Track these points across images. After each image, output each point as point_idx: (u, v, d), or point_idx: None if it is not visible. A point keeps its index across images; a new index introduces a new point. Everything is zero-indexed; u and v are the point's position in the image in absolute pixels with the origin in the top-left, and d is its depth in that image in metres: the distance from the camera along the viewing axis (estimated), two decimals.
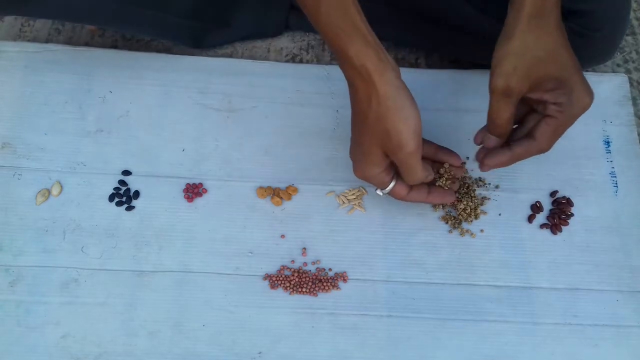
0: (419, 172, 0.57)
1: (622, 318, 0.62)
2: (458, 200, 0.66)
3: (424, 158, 0.61)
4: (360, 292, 0.63)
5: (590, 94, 0.55)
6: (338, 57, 0.54)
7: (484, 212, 0.67)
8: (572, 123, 0.56)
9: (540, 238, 0.66)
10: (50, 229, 0.65)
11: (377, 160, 0.57)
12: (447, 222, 0.67)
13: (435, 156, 0.63)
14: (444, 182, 0.63)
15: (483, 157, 0.60)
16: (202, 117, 0.72)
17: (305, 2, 0.53)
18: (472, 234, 0.66)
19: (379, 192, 0.62)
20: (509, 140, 0.60)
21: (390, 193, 0.61)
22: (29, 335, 0.60)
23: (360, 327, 0.61)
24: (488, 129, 0.58)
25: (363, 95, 0.54)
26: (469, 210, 0.66)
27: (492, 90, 0.55)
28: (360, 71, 0.53)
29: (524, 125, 0.59)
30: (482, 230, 0.66)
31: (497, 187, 0.69)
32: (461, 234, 0.66)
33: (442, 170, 0.63)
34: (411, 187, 0.61)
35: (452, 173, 0.63)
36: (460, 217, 0.66)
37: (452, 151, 0.63)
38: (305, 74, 0.76)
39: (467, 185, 0.68)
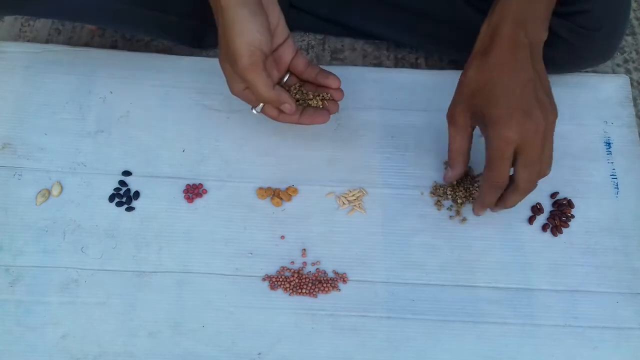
0: (261, 89, 0.57)
1: (623, 320, 0.62)
2: (457, 183, 0.67)
3: (305, 81, 0.64)
4: (360, 294, 0.63)
5: (515, 125, 0.53)
6: None
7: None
8: (504, 156, 0.55)
9: (540, 239, 0.66)
10: (50, 229, 0.65)
11: (234, 77, 0.58)
12: (439, 208, 0.67)
13: (316, 79, 0.63)
14: (316, 102, 0.63)
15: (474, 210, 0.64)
16: (202, 118, 0.72)
17: None
18: (463, 218, 0.66)
19: (252, 110, 0.63)
20: None
21: (263, 112, 0.62)
22: (29, 335, 0.60)
23: (359, 329, 0.61)
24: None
25: (214, 11, 0.56)
26: (465, 192, 0.67)
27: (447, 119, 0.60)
28: None
29: None
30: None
31: None
32: (450, 216, 0.66)
33: (316, 92, 0.64)
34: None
35: (328, 94, 0.64)
36: (457, 197, 0.67)
37: (330, 73, 0.63)
38: None
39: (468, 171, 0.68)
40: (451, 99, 0.59)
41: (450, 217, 0.67)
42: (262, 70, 0.56)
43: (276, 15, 0.58)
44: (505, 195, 0.59)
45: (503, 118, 0.53)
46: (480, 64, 0.55)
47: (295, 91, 0.64)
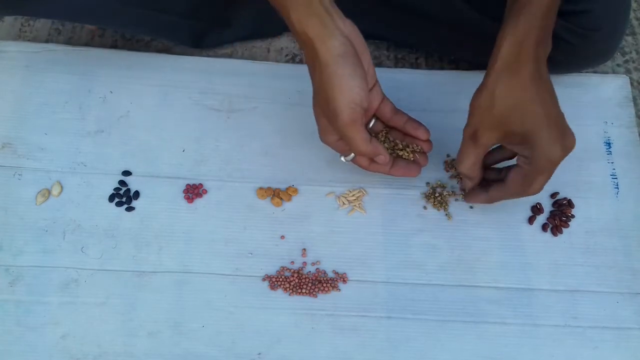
0: (359, 145, 0.57)
1: (623, 320, 0.62)
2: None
3: (394, 129, 0.63)
4: (360, 294, 0.63)
5: (560, 145, 0.54)
6: (286, 23, 0.54)
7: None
8: (543, 173, 0.56)
9: (540, 239, 0.66)
10: (50, 229, 0.65)
11: (328, 129, 0.58)
12: (428, 200, 0.67)
13: (404, 128, 0.62)
14: (407, 154, 0.62)
15: (463, 196, 0.66)
16: (202, 118, 0.72)
17: None
18: (449, 216, 0.67)
19: (342, 158, 0.62)
20: (488, 180, 0.63)
21: (353, 162, 0.61)
22: (28, 335, 0.60)
23: (359, 329, 0.61)
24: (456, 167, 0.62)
25: (309, 63, 0.55)
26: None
27: (463, 135, 0.58)
28: (303, 38, 0.53)
29: (503, 169, 0.61)
30: (471, 207, 0.67)
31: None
32: (439, 209, 0.67)
33: (405, 142, 0.63)
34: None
35: (418, 146, 0.63)
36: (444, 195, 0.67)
37: (420, 124, 0.62)
38: (306, 75, 0.75)
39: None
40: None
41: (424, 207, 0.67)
42: (361, 126, 0.56)
43: (367, 63, 0.57)
44: (493, 186, 0.62)
45: (548, 139, 0.54)
46: (512, 83, 0.53)
47: (382, 139, 0.63)
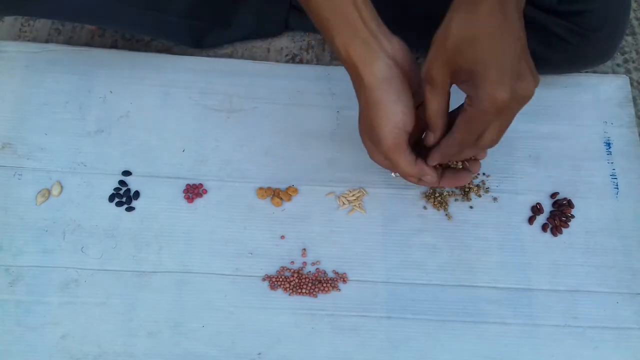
0: (403, 168, 0.56)
1: (622, 320, 0.62)
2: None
3: None
4: (360, 293, 0.63)
5: (508, 86, 0.48)
6: (330, 47, 0.54)
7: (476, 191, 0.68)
8: (487, 116, 0.50)
9: (540, 240, 0.66)
10: (50, 229, 0.65)
11: (374, 150, 0.57)
12: (428, 200, 0.67)
13: None
14: (455, 164, 0.60)
15: (427, 160, 0.58)
16: (203, 118, 0.72)
17: None
18: (449, 215, 0.67)
19: (392, 174, 0.62)
20: None
21: (404, 178, 0.60)
22: (28, 335, 0.60)
23: (359, 329, 0.61)
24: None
25: (355, 86, 0.55)
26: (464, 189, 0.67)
27: (422, 80, 0.53)
28: (348, 62, 0.53)
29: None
30: (471, 207, 0.67)
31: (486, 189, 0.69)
32: (438, 209, 0.67)
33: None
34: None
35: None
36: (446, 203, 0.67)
37: None
38: (306, 75, 0.76)
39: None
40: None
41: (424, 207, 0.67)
42: (405, 150, 0.55)
43: (418, 79, 0.55)
44: (446, 143, 0.56)
45: (495, 77, 0.49)
46: (467, 17, 0.48)
47: None
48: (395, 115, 0.53)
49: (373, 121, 0.54)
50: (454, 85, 0.53)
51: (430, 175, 0.58)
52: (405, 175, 0.59)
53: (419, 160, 0.57)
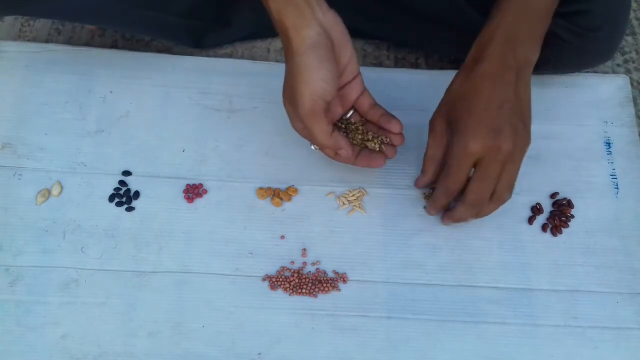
0: (318, 136, 0.57)
1: (622, 320, 0.62)
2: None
3: (368, 121, 0.64)
4: (360, 293, 0.63)
5: (477, 141, 0.54)
6: (268, 12, 0.55)
7: None
8: (458, 164, 0.56)
9: (540, 240, 0.66)
10: (50, 229, 0.65)
11: (294, 116, 0.58)
12: (428, 200, 0.67)
13: (378, 121, 0.63)
14: (373, 144, 0.63)
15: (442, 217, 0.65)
16: (203, 118, 0.72)
17: None
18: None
19: (312, 147, 0.63)
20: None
21: (321, 150, 0.62)
22: (28, 335, 0.60)
23: (359, 329, 0.61)
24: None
25: (284, 50, 0.56)
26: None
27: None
28: (279, 26, 0.54)
29: None
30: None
31: None
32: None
33: (372, 134, 0.63)
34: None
35: (387, 138, 0.63)
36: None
37: (393, 117, 0.63)
38: None
39: None
40: None
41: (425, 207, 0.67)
42: (322, 119, 0.56)
43: (347, 55, 0.58)
44: (455, 205, 0.61)
45: (471, 129, 0.55)
46: (465, 76, 0.56)
47: (355, 130, 0.64)
48: (315, 82, 0.54)
49: (294, 85, 0.55)
50: None
51: (345, 150, 0.60)
52: (321, 146, 0.60)
53: (336, 133, 0.59)
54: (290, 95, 0.56)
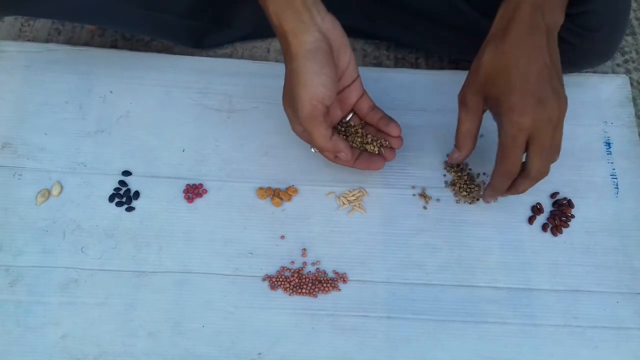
0: (318, 140, 0.58)
1: (623, 320, 0.62)
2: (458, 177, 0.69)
3: (369, 124, 0.64)
4: (360, 294, 0.63)
5: (526, 115, 0.53)
6: (266, 15, 0.55)
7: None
8: (517, 144, 0.54)
9: (540, 239, 0.66)
10: (50, 229, 0.65)
11: (294, 120, 0.58)
12: (423, 199, 0.68)
13: (377, 124, 0.63)
14: (372, 147, 0.63)
15: (482, 195, 0.64)
16: (203, 118, 0.72)
17: None
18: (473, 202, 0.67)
19: (312, 150, 0.64)
20: None
21: (321, 153, 0.62)
22: (28, 335, 0.60)
23: (359, 329, 0.61)
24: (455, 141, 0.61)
25: (283, 55, 0.56)
26: (462, 184, 0.68)
27: (458, 103, 0.59)
28: (279, 31, 0.55)
29: None
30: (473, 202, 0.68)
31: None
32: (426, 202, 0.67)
33: (371, 137, 0.64)
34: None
35: (387, 141, 0.64)
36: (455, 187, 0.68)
37: (392, 120, 0.63)
38: None
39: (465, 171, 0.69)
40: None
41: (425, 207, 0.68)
42: (321, 123, 0.57)
43: (346, 59, 0.58)
44: (517, 181, 0.59)
45: (518, 105, 0.53)
46: (497, 48, 0.54)
47: (355, 133, 0.64)
48: (314, 87, 0.54)
49: (293, 90, 0.55)
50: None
51: (345, 153, 0.60)
52: (321, 149, 0.60)
53: (335, 136, 0.59)
54: (290, 99, 0.56)
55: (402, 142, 0.64)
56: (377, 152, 0.64)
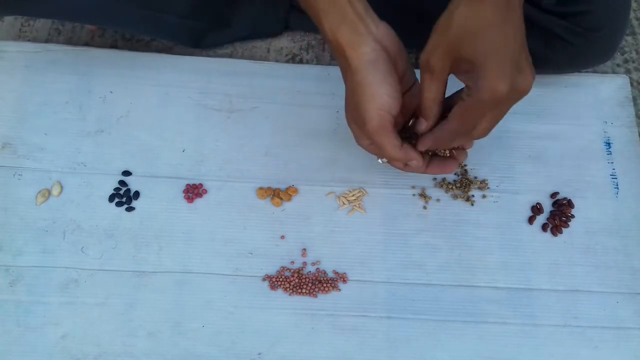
0: (388, 151, 0.56)
1: (622, 320, 0.62)
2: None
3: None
4: (360, 294, 0.63)
5: (508, 80, 0.49)
6: (320, 31, 0.54)
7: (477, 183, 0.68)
8: (484, 108, 0.51)
9: (540, 239, 0.66)
10: (50, 229, 0.65)
11: (360, 134, 0.57)
12: (423, 199, 0.68)
13: None
14: (443, 151, 0.61)
15: (417, 145, 0.58)
16: (202, 118, 0.72)
17: None
18: (471, 201, 0.67)
19: (379, 160, 0.61)
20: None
21: (389, 163, 0.60)
22: (28, 335, 0.60)
23: (359, 329, 0.61)
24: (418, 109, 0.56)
25: (342, 69, 0.55)
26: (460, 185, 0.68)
27: (420, 66, 0.53)
28: (335, 45, 0.53)
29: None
30: (473, 201, 0.67)
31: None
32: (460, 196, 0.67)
33: None
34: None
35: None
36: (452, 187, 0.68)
37: None
38: (306, 74, 0.76)
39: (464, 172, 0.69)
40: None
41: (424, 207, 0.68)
42: (390, 133, 0.55)
43: (404, 64, 0.56)
44: (445, 132, 0.56)
45: (497, 70, 0.49)
46: (471, 9, 0.49)
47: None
48: (380, 97, 0.53)
49: (358, 103, 0.54)
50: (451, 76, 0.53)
51: (417, 160, 0.58)
52: (391, 160, 0.59)
53: (405, 145, 0.57)
54: (355, 113, 0.55)
55: (473, 142, 0.60)
56: (448, 154, 0.61)
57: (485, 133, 0.54)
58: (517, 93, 0.51)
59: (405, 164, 0.59)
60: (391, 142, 0.56)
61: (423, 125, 0.57)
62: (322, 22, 0.53)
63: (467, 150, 0.61)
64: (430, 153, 0.61)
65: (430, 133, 0.57)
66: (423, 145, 0.57)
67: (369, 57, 0.53)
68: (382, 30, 0.54)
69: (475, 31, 0.49)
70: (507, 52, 0.49)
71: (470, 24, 0.49)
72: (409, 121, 0.60)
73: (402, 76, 0.57)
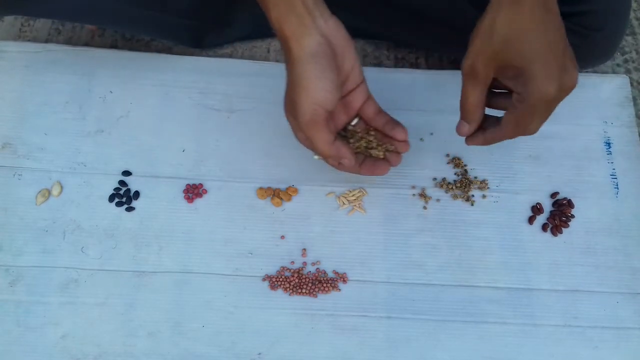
0: (319, 146, 0.56)
1: (623, 320, 0.62)
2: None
3: (375, 129, 0.62)
4: (360, 294, 0.63)
5: (556, 82, 0.51)
6: (269, 21, 0.54)
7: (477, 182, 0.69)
8: (536, 111, 0.53)
9: (540, 239, 0.66)
10: (50, 229, 0.65)
11: (295, 127, 0.57)
12: (423, 199, 0.68)
13: (383, 128, 0.61)
14: (377, 152, 0.62)
15: (466, 140, 0.60)
16: (203, 118, 0.72)
17: None
18: (471, 201, 0.67)
19: (314, 156, 0.62)
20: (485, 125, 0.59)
21: (324, 160, 0.61)
22: (28, 335, 0.60)
23: (359, 329, 0.61)
24: (460, 113, 0.57)
25: (285, 60, 0.55)
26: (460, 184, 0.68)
27: (462, 72, 0.54)
28: (279, 35, 0.53)
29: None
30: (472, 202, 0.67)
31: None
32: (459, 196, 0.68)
33: (376, 142, 0.62)
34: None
35: (392, 145, 0.62)
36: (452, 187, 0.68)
37: (398, 124, 0.61)
38: None
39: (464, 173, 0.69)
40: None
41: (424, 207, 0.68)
42: (323, 128, 0.55)
43: (351, 62, 0.56)
44: (489, 130, 0.58)
45: (545, 73, 0.51)
46: (511, 14, 0.50)
47: (360, 138, 0.62)
48: (316, 92, 0.53)
49: (295, 95, 0.54)
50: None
51: (348, 159, 0.58)
52: (323, 156, 0.59)
53: (338, 142, 0.57)
54: (291, 105, 0.55)
55: (408, 146, 0.62)
56: (382, 156, 0.62)
57: (535, 131, 0.56)
58: (565, 92, 0.52)
59: (339, 163, 0.60)
60: (322, 138, 0.56)
61: (465, 128, 0.58)
62: (270, 12, 0.53)
63: (402, 154, 0.62)
64: (365, 154, 0.62)
65: (480, 134, 0.58)
66: (473, 141, 0.59)
67: (310, 50, 0.53)
68: (330, 25, 0.54)
69: (519, 36, 0.50)
70: (551, 54, 0.51)
71: (513, 30, 0.50)
72: (352, 120, 0.62)
73: (348, 74, 0.57)
